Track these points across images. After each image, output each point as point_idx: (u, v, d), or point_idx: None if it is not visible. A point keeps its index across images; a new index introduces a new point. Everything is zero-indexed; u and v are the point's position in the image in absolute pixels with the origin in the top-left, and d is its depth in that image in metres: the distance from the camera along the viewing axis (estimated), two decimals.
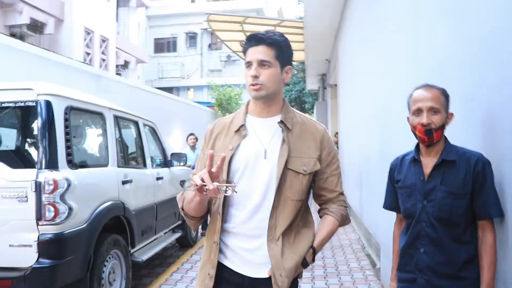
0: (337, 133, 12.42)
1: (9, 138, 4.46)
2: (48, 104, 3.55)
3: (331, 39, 11.67)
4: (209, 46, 32.92)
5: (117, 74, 20.20)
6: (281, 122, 1.91)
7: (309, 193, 1.98)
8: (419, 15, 3.39)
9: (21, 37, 14.81)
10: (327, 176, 1.98)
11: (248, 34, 12.20)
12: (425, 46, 3.24)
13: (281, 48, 1.87)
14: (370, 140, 5.95)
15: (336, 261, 6.15)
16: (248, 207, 1.85)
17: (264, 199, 1.85)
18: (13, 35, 14.49)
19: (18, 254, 3.35)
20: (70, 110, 3.78)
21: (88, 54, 18.02)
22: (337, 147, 11.98)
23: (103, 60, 19.31)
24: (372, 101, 5.74)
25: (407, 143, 3.77)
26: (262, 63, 1.83)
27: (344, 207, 2.02)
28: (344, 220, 2.01)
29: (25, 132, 3.77)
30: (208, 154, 1.83)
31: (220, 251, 1.89)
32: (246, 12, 28.78)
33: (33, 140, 3.60)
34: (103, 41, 19.24)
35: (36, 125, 3.54)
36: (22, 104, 3.59)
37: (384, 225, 4.98)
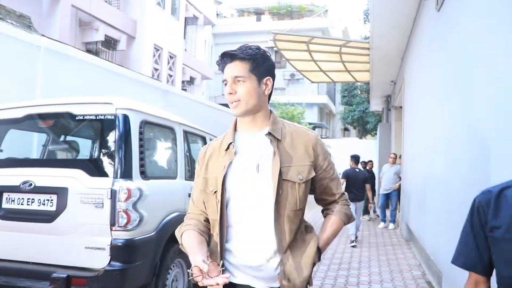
0: (400, 155, 12.28)
1: (87, 148, 4.85)
2: (126, 118, 3.86)
3: (397, 61, 11.61)
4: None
5: (183, 89, 20.92)
6: (269, 133, 1.90)
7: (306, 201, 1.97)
8: (495, 45, 3.34)
9: (96, 53, 15.75)
10: (326, 182, 2.00)
11: (313, 53, 12.46)
12: (496, 71, 3.24)
13: (255, 61, 1.87)
14: (435, 165, 5.91)
15: (394, 286, 6.09)
16: (248, 225, 1.85)
17: (262, 213, 1.83)
18: (88, 51, 15.43)
19: (92, 256, 3.64)
20: (144, 124, 4.08)
21: (156, 69, 18.81)
22: (400, 169, 11.86)
23: (170, 75, 20.07)
24: (438, 126, 5.71)
25: (472, 170, 3.78)
26: (236, 79, 1.85)
27: (347, 206, 2.05)
28: (348, 219, 2.04)
29: (102, 143, 4.08)
30: (203, 177, 1.95)
31: (227, 270, 1.88)
32: (311, 31, 29.01)
33: (109, 151, 3.90)
34: (171, 57, 20.03)
35: (113, 137, 3.85)
36: (101, 117, 3.92)
37: (446, 252, 4.93)
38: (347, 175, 9.60)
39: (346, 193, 2.08)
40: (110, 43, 16.53)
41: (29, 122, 4.30)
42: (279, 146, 1.89)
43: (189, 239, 1.90)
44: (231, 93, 1.85)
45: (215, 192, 1.88)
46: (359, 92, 31.04)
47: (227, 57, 1.89)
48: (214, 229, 1.92)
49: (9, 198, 3.95)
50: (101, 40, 15.51)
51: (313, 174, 1.92)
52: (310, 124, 24.40)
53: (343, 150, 23.06)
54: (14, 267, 3.81)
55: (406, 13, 8.34)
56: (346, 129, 41.32)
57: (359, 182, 9.69)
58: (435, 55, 6.06)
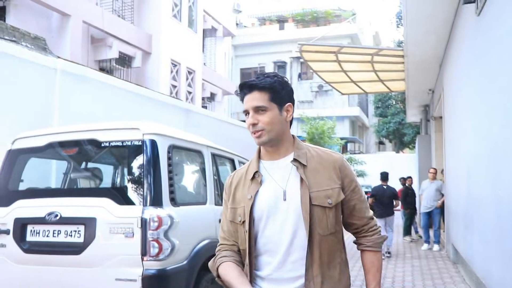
0: (442, 170, 12.22)
1: (114, 175, 5.05)
2: (153, 143, 4.04)
3: (435, 68, 11.63)
4: (299, 75, 33.61)
5: (203, 107, 21.21)
6: (295, 160, 2.03)
7: (340, 224, 2.09)
8: None
9: (110, 71, 16.16)
10: (354, 203, 2.10)
11: (343, 63, 12.57)
12: None
13: (274, 89, 2.00)
14: (481, 182, 5.92)
15: None
16: (279, 253, 1.98)
17: (293, 241, 1.97)
18: (102, 69, 15.84)
19: (124, 287, 3.80)
20: (172, 149, 4.26)
21: (174, 86, 19.15)
22: (443, 184, 11.80)
23: (189, 92, 20.38)
24: (483, 139, 5.75)
25: None
26: (257, 109, 1.98)
27: (379, 233, 2.15)
28: (382, 244, 2.15)
29: (129, 169, 4.27)
30: (231, 207, 2.11)
31: None
32: (339, 38, 29.20)
33: (137, 178, 4.07)
34: (190, 73, 20.36)
35: (141, 163, 4.03)
36: (128, 143, 4.10)
37: (499, 276, 4.94)
38: (375, 192, 11.11)
39: (374, 217, 2.19)
40: (124, 60, 16.94)
41: (51, 150, 4.52)
42: (305, 172, 2.01)
43: (229, 271, 2.03)
44: (254, 124, 1.98)
45: (243, 222, 2.04)
46: (394, 102, 30.99)
47: (246, 88, 2.03)
48: (244, 259, 2.07)
49: (34, 231, 4.13)
50: (115, 57, 15.90)
51: (342, 196, 2.03)
52: (342, 139, 24.41)
53: (378, 166, 23.05)
54: None
55: (443, 18, 8.41)
56: (381, 143, 41.16)
57: (386, 198, 10.92)
58: (476, 62, 6.12)
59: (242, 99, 2.05)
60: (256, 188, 2.04)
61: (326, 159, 2.09)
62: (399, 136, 31.18)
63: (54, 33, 13.79)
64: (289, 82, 2.15)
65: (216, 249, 2.18)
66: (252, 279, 2.02)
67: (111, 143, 4.20)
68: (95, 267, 3.87)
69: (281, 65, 33.90)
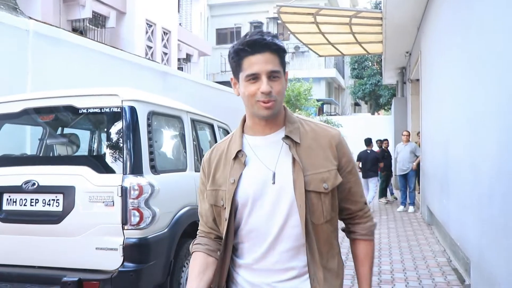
0: (418, 132, 12.36)
1: (92, 143, 4.95)
2: (133, 110, 3.94)
3: (413, 31, 11.61)
4: (276, 36, 33.31)
5: (179, 68, 20.94)
6: (286, 137, 1.75)
7: (336, 209, 1.83)
8: None
9: (83, 32, 15.75)
10: (350, 186, 1.84)
11: (321, 25, 12.46)
12: None
13: (284, 54, 1.73)
14: (459, 145, 5.98)
15: (419, 274, 6.21)
16: (266, 242, 1.75)
17: (282, 230, 1.73)
18: (75, 29, 15.42)
19: (104, 257, 3.75)
20: (152, 115, 4.16)
21: (149, 47, 18.81)
22: (419, 147, 11.98)
23: (165, 53, 20.07)
24: (462, 102, 5.77)
25: (502, 149, 3.86)
26: (271, 75, 1.67)
27: (372, 219, 1.91)
28: (374, 231, 1.93)
29: (108, 137, 4.17)
30: (211, 189, 1.84)
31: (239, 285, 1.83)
32: (317, 0, 28.88)
33: (117, 146, 3.98)
34: (165, 33, 20.00)
35: (120, 130, 3.94)
36: (107, 110, 3.99)
37: (475, 237, 5.04)
38: (359, 158, 12.49)
39: (366, 202, 1.94)
40: (98, 20, 16.52)
41: (27, 116, 4.38)
42: (298, 151, 1.74)
43: (193, 264, 1.86)
44: (270, 92, 1.66)
45: (225, 208, 1.79)
46: (370, 64, 31.01)
47: (259, 46, 1.67)
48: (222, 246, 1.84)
49: (10, 199, 4.03)
50: (88, 17, 15.50)
51: (340, 179, 1.77)
52: (318, 100, 24.44)
53: (354, 128, 23.19)
54: (19, 272, 3.92)
55: None
56: (357, 104, 41.43)
57: (369, 161, 12.38)
58: (455, 26, 6.10)
59: (242, 58, 1.70)
60: (239, 170, 1.77)
61: (322, 135, 1.80)
62: (375, 98, 31.33)
63: None
64: None
65: (197, 232, 1.99)
66: (231, 266, 1.84)
67: (89, 110, 4.07)
68: (74, 236, 3.81)
69: (258, 26, 33.48)
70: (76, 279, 3.66)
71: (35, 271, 3.89)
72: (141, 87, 5.88)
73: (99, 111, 4.04)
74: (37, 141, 5.00)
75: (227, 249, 1.79)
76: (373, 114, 34.19)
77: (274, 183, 1.73)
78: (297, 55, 32.15)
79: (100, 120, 4.44)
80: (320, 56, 17.86)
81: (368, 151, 12.60)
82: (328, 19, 12.20)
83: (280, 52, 1.70)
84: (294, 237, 1.73)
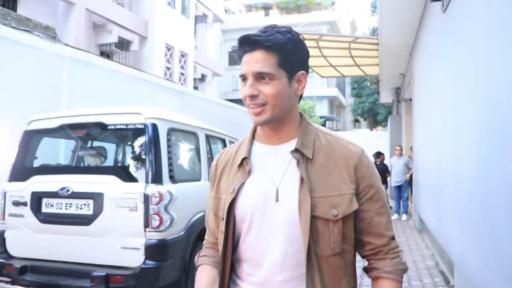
0: (412, 147, 12.48)
1: (119, 155, 5.16)
2: (154, 127, 4.14)
3: (406, 55, 11.77)
4: None
5: (194, 87, 21.20)
6: (296, 150, 1.42)
7: (351, 242, 1.46)
8: (492, 38, 3.61)
9: (110, 55, 16.07)
10: (370, 216, 1.45)
11: (323, 49, 12.65)
12: (499, 67, 3.45)
13: (285, 51, 1.37)
14: (444, 158, 6.10)
15: (408, 276, 6.26)
16: (264, 267, 1.42)
17: (283, 257, 1.39)
18: (102, 53, 15.76)
19: (128, 255, 3.93)
20: (171, 131, 4.36)
21: (168, 68, 19.09)
22: (409, 160, 12.14)
23: (182, 74, 20.34)
24: (447, 120, 5.91)
25: (480, 163, 4.00)
26: (260, 76, 1.36)
27: (401, 259, 1.49)
28: (403, 274, 1.50)
29: (133, 150, 4.37)
30: (214, 197, 1.55)
31: None
32: (319, 24, 29.18)
33: (140, 158, 4.18)
34: (182, 56, 20.29)
35: (144, 144, 4.14)
36: (132, 126, 4.21)
37: (458, 241, 5.15)
38: None
39: (395, 236, 1.52)
40: (123, 44, 16.83)
41: (63, 131, 4.61)
42: (308, 168, 1.41)
43: (199, 278, 1.60)
44: (253, 95, 1.37)
45: (222, 219, 1.48)
46: (369, 84, 31.12)
47: (248, 44, 1.38)
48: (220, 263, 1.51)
49: (48, 203, 4.25)
50: (114, 41, 15.84)
51: (355, 207, 1.40)
52: (321, 117, 24.57)
53: (355, 142, 23.22)
54: (56, 267, 4.13)
55: (413, 12, 8.56)
56: (356, 121, 41.45)
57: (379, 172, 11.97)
58: (443, 52, 6.26)
59: (240, 58, 1.42)
60: (242, 179, 1.46)
61: (338, 152, 1.45)
62: (373, 115, 31.40)
63: (60, 19, 13.68)
64: (304, 41, 1.45)
65: (203, 242, 1.73)
66: (232, 284, 1.51)
67: (116, 126, 4.30)
68: (103, 236, 4.00)
69: None
70: (104, 274, 3.85)
71: (69, 266, 4.09)
72: (161, 105, 6.12)
73: (125, 127, 4.26)
74: (70, 153, 5.23)
75: (226, 266, 1.48)
76: (371, 130, 34.23)
77: (277, 200, 1.41)
78: None
79: (125, 135, 4.66)
80: (322, 77, 18.01)
81: (378, 163, 12.95)
82: (330, 44, 12.37)
83: (276, 49, 1.36)
84: (296, 267, 1.39)
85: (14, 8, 12.22)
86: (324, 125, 29.55)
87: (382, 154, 13.39)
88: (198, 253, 1.68)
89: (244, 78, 1.40)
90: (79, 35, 13.89)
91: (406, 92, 13.55)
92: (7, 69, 5.69)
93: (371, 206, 1.45)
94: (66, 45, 6.99)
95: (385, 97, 19.26)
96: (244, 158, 1.49)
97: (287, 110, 1.42)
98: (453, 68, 5.39)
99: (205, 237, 1.71)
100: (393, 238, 1.49)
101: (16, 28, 5.89)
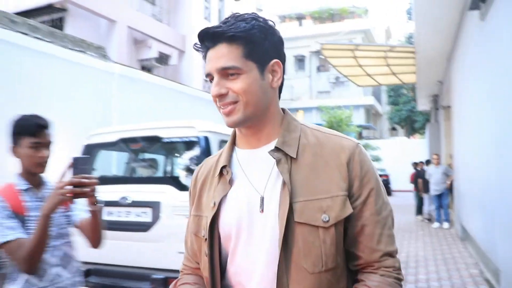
0: (451, 155, 12.43)
1: (173, 166, 5.50)
2: (207, 139, 4.44)
3: (443, 62, 11.76)
4: (318, 68, 33.69)
5: None
6: (276, 149, 1.25)
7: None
8: None
9: (150, 69, 16.66)
10: (362, 223, 1.23)
11: (359, 59, 12.80)
12: None
13: (251, 40, 1.21)
14: (488, 165, 6.13)
15: (452, 283, 6.28)
16: None
17: (265, 275, 1.21)
18: (143, 67, 16.36)
19: None
20: (221, 143, 4.66)
21: (206, 81, 19.63)
22: (448, 167, 12.11)
23: None
24: (489, 128, 5.94)
25: None
26: (225, 72, 1.21)
27: (395, 281, 1.23)
28: None
29: (186, 161, 4.68)
30: (194, 215, 1.39)
31: None
32: (353, 33, 29.23)
33: (193, 168, 4.48)
34: None
35: (197, 155, 4.44)
36: (186, 139, 4.52)
37: (504, 249, 5.17)
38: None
39: (395, 255, 1.26)
40: (162, 58, 17.42)
41: (121, 144, 4.96)
42: (292, 168, 1.23)
43: None
44: (221, 94, 1.21)
45: (206, 239, 1.30)
46: (405, 91, 30.94)
47: (208, 39, 1.23)
48: None
49: (110, 211, 4.59)
50: (155, 56, 16.43)
51: (349, 211, 1.20)
52: (358, 126, 24.56)
53: (392, 151, 23.16)
54: (118, 270, 4.45)
55: (450, 20, 8.60)
56: (393, 129, 41.12)
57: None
58: (481, 61, 6.34)
59: (204, 56, 1.27)
60: (223, 191, 1.29)
61: (330, 148, 1.26)
62: (410, 123, 31.20)
63: (103, 37, 14.34)
64: (275, 27, 1.30)
65: (180, 268, 1.53)
66: None
67: (171, 139, 4.62)
68: (161, 242, 4.30)
69: (301, 59, 34.00)
70: (163, 277, 4.13)
71: (130, 270, 4.40)
72: (201, 116, 6.43)
73: (179, 140, 4.58)
74: (125, 164, 5.59)
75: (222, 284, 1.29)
76: (408, 137, 33.95)
77: (262, 211, 1.23)
78: (337, 84, 32.39)
79: (179, 147, 4.96)
80: (359, 86, 18.12)
81: (418, 170, 13.78)
82: (366, 54, 12.51)
83: (240, 39, 1.20)
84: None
85: (61, 27, 12.93)
86: (361, 134, 29.52)
87: (421, 162, 13.51)
88: (174, 282, 1.43)
89: (210, 78, 1.25)
90: (122, 51, 14.51)
91: (445, 99, 13.50)
92: (65, 87, 6.14)
93: (363, 211, 1.23)
94: (116, 62, 7.45)
95: (423, 105, 19.15)
96: (224, 167, 1.32)
97: (263, 107, 1.25)
98: (493, 78, 5.47)
99: (182, 262, 1.51)
100: (389, 254, 1.24)
101: (73, 49, 6.35)
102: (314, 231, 1.17)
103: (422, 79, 13.90)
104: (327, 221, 1.17)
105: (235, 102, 1.21)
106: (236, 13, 1.27)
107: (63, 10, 13.18)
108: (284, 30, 34.82)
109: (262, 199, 1.23)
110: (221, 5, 21.10)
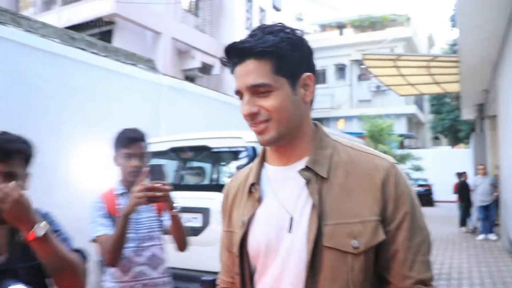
0: (497, 166, 12.24)
1: (222, 174, 5.75)
2: (254, 149, 4.66)
3: (488, 71, 11.62)
4: (359, 77, 33.59)
5: None
6: (307, 168, 1.21)
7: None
8: None
9: (193, 79, 17.13)
10: (395, 248, 1.17)
11: (401, 69, 12.81)
12: None
13: (280, 54, 1.17)
14: None
15: None
16: None
17: None
18: (187, 77, 16.85)
19: None
20: None
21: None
22: (493, 179, 11.90)
23: None
24: None
25: None
26: (256, 90, 1.17)
27: None
28: None
29: (233, 170, 4.92)
30: (226, 231, 1.39)
31: None
32: (394, 41, 29.04)
33: None
34: None
35: (244, 165, 4.65)
36: (234, 149, 4.76)
37: None
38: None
39: (433, 285, 1.20)
40: (205, 68, 17.87)
41: (172, 153, 5.25)
42: (323, 190, 1.19)
43: None
44: (253, 113, 1.18)
45: (236, 256, 1.30)
46: (449, 100, 30.45)
47: (236, 55, 1.20)
48: None
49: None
50: (198, 66, 16.90)
51: (381, 237, 1.16)
52: (400, 135, 24.33)
53: (434, 160, 22.85)
54: (171, 272, 4.70)
55: (495, 26, 8.53)
56: (436, 138, 40.42)
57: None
58: None
59: (232, 71, 1.24)
60: (252, 209, 1.27)
61: (363, 167, 1.21)
62: (454, 132, 30.63)
63: (148, 48, 14.90)
64: (304, 37, 1.25)
65: (217, 281, 1.54)
66: None
67: (219, 149, 4.87)
68: (211, 246, 4.51)
69: (341, 68, 33.96)
70: (212, 279, 4.35)
71: (181, 271, 4.64)
72: (241, 126, 6.63)
73: (227, 150, 4.83)
74: (174, 172, 5.88)
75: None
76: (452, 147, 33.33)
77: (290, 231, 1.20)
78: (378, 93, 32.14)
79: (228, 156, 5.21)
80: (400, 95, 18.05)
81: (461, 180, 13.91)
82: (407, 63, 12.52)
83: (269, 54, 1.16)
84: None
85: (110, 40, 13.54)
86: (402, 143, 29.22)
87: (465, 172, 13.38)
88: None
89: (240, 94, 1.22)
90: (166, 62, 15.03)
91: (490, 108, 13.32)
92: (117, 99, 6.51)
93: (396, 236, 1.17)
94: (165, 74, 7.82)
95: (467, 114, 18.85)
96: (252, 184, 1.29)
97: (296, 123, 1.22)
98: None
99: (219, 276, 1.52)
100: (422, 282, 1.17)
101: (125, 62, 6.73)
102: (342, 256, 1.14)
103: (467, 88, 13.75)
104: (357, 248, 1.13)
105: (268, 120, 1.17)
106: (264, 25, 1.24)
107: (111, 23, 13.81)
108: (325, 39, 34.94)
109: (291, 220, 1.19)
110: (262, 16, 21.46)
